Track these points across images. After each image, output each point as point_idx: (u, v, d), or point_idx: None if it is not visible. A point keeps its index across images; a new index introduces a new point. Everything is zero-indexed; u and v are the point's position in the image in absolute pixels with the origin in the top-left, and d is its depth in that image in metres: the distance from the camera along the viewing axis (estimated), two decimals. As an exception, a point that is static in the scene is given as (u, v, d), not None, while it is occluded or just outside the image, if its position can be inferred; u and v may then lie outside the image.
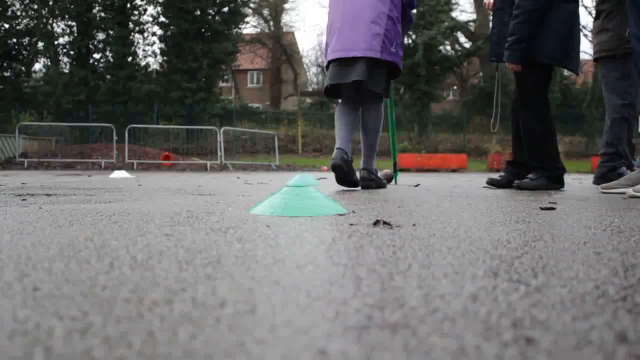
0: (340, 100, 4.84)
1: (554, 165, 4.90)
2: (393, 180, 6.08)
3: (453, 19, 31.69)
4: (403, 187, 5.35)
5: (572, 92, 34.46)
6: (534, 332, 0.68)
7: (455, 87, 44.04)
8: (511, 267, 1.12)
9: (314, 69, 55.37)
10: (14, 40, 29.37)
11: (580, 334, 0.67)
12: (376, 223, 1.87)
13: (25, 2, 29.91)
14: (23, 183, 5.66)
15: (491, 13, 5.20)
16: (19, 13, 29.98)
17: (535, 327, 0.70)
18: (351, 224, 1.88)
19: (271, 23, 46.92)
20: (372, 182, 4.88)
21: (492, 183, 5.39)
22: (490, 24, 5.32)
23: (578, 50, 4.87)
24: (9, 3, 29.49)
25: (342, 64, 4.58)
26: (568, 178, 6.63)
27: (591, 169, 20.66)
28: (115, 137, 20.12)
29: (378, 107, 4.92)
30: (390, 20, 4.53)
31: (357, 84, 4.66)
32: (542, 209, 2.68)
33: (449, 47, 33.54)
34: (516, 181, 5.04)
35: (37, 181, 6.31)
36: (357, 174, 4.76)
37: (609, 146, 5.69)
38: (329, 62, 4.69)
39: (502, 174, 5.48)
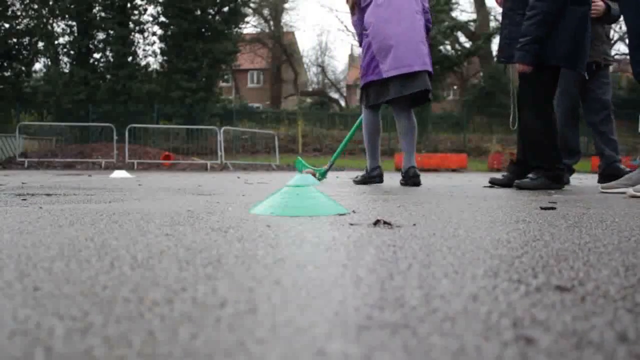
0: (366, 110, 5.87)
1: (554, 165, 4.89)
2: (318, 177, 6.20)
3: (453, 18, 31.65)
4: (404, 187, 5.35)
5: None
6: (534, 332, 0.68)
7: (455, 87, 44.02)
8: (511, 267, 1.12)
9: (314, 69, 55.41)
10: (14, 40, 29.37)
11: (580, 334, 0.67)
12: (376, 223, 1.87)
13: (25, 2, 29.90)
14: (23, 183, 5.66)
15: (499, 12, 5.20)
16: (19, 13, 29.97)
17: (535, 327, 0.70)
18: (351, 224, 1.88)
19: (271, 23, 46.94)
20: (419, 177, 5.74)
21: (494, 182, 5.38)
22: (492, 24, 5.32)
23: (588, 52, 4.88)
24: (9, 3, 29.48)
25: (403, 78, 5.45)
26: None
27: (591, 169, 20.65)
28: (115, 137, 20.12)
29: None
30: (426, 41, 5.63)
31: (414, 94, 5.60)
32: (542, 208, 2.68)
33: (449, 47, 33.51)
34: (516, 181, 5.03)
35: (37, 181, 6.31)
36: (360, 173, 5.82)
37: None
38: (387, 79, 5.49)
39: (505, 173, 5.47)
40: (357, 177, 6.10)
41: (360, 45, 5.69)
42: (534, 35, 4.72)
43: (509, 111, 5.38)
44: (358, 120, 6.05)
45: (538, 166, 4.90)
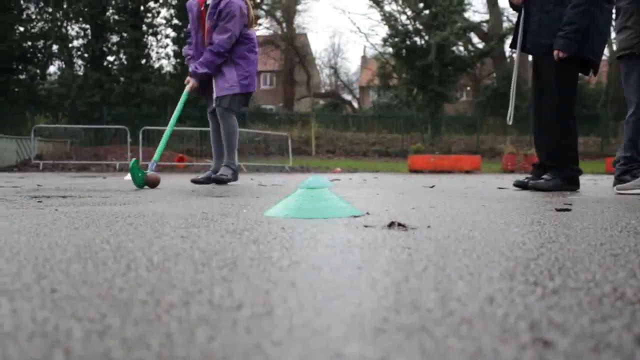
0: None
1: (570, 167, 4.86)
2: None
3: (466, 19, 31.54)
4: (418, 189, 5.34)
5: (586, 91, 34.26)
6: (551, 334, 0.68)
7: (468, 88, 43.87)
8: (527, 269, 1.12)
9: (326, 71, 55.40)
10: (29, 43, 29.55)
11: (598, 336, 0.67)
12: (391, 225, 1.87)
13: (40, 6, 30.08)
14: (38, 185, 5.69)
15: (512, 13, 5.09)
16: (34, 16, 30.16)
17: (552, 330, 0.69)
18: (366, 226, 1.88)
19: (284, 25, 46.93)
20: None
21: (519, 185, 5.28)
22: (505, 24, 5.21)
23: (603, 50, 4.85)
24: (24, 7, 29.69)
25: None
26: (583, 179, 6.58)
27: (606, 169, 20.52)
28: (129, 139, 20.20)
29: None
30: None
31: None
32: (557, 210, 2.66)
33: (462, 48, 33.38)
34: (531, 182, 4.99)
35: (53, 183, 6.34)
36: None
37: (625, 149, 5.59)
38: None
39: (529, 175, 5.37)
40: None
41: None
42: (579, 24, 4.64)
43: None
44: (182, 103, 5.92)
45: (553, 167, 4.86)
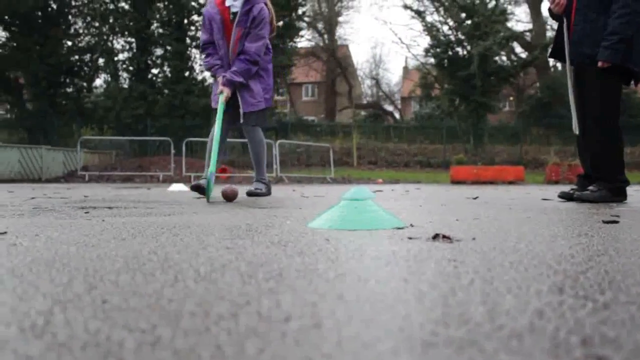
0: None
1: (616, 178, 4.77)
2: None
3: (509, 29, 31.30)
4: (461, 200, 5.29)
5: (633, 100, 33.65)
6: (604, 350, 0.66)
7: (511, 98, 43.45)
8: (576, 283, 1.10)
9: (368, 82, 55.42)
10: (76, 57, 30.24)
11: (653, 352, 0.66)
12: (435, 237, 1.86)
13: (87, 20, 30.76)
14: (85, 196, 5.80)
15: (553, 22, 4.97)
16: (81, 31, 30.88)
17: (605, 345, 0.68)
18: (410, 238, 1.88)
19: (325, 36, 47.13)
20: None
21: (564, 196, 5.20)
22: (549, 34, 5.14)
23: None
24: (72, 22, 30.38)
25: None
26: (630, 190, 6.46)
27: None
28: (172, 151, 20.47)
29: None
30: None
31: None
32: (604, 222, 2.62)
33: (504, 58, 33.14)
34: (577, 193, 4.91)
35: (99, 194, 6.45)
36: None
37: None
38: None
39: (574, 187, 5.30)
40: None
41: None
42: (624, 34, 4.58)
43: (567, 122, 5.20)
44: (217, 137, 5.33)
45: (599, 178, 4.78)
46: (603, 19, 4.69)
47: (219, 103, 5.34)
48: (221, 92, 5.35)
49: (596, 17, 4.70)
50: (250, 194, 5.65)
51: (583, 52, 4.77)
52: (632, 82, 4.93)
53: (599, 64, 4.65)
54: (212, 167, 5.15)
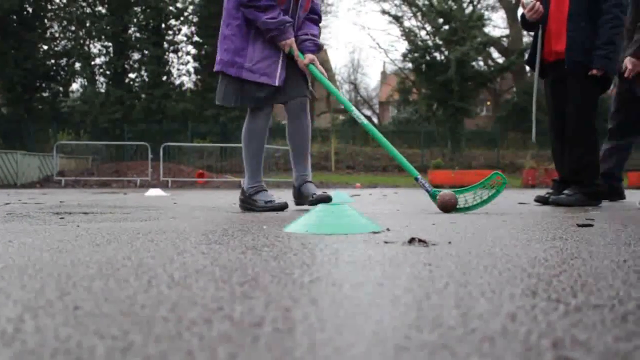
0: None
1: (592, 182, 4.82)
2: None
3: (486, 34, 31.48)
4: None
5: (608, 106, 33.98)
6: (575, 353, 0.67)
7: (488, 103, 43.71)
8: (549, 286, 1.11)
9: (346, 86, 55.45)
10: (53, 61, 29.96)
11: (622, 354, 0.66)
12: (411, 241, 1.86)
13: (63, 24, 30.50)
14: (61, 201, 5.74)
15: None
16: (57, 35, 30.60)
17: (576, 348, 0.69)
18: (386, 242, 1.88)
19: (304, 41, 47.11)
20: None
21: (540, 200, 5.25)
22: (525, 39, 5.19)
23: None
24: (48, 25, 30.12)
25: None
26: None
27: (627, 184, 20.31)
28: (150, 155, 20.34)
29: None
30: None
31: None
32: (579, 225, 2.64)
33: (482, 63, 33.33)
34: (552, 197, 4.96)
35: (74, 199, 6.40)
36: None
37: None
38: None
39: (550, 191, 5.34)
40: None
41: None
42: (618, 44, 4.76)
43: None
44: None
45: (575, 182, 4.83)
46: (591, 28, 4.78)
47: (319, 76, 4.13)
48: (312, 61, 4.08)
49: (585, 26, 4.78)
50: (318, 200, 3.91)
51: (575, 60, 4.83)
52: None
53: (594, 71, 4.73)
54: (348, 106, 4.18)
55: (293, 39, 3.99)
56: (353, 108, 4.21)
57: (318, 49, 4.17)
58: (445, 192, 3.83)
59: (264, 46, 3.97)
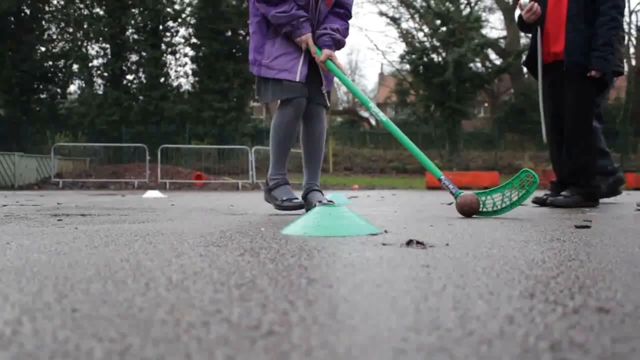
0: None
1: (589, 183, 4.83)
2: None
3: (483, 36, 31.51)
4: (436, 206, 5.32)
5: (605, 107, 34.03)
6: (572, 354, 0.67)
7: (486, 104, 43.76)
8: (547, 288, 1.11)
9: (344, 88, 55.42)
10: (50, 63, 29.93)
11: (620, 356, 0.66)
12: (409, 243, 1.86)
13: (61, 26, 30.48)
14: (58, 203, 5.74)
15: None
16: (55, 37, 30.57)
17: (574, 350, 0.69)
18: (384, 244, 1.88)
19: (301, 42, 47.13)
20: None
21: (537, 202, 5.26)
22: (523, 41, 5.18)
23: None
24: (45, 27, 30.09)
25: None
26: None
27: (626, 185, 20.31)
28: (148, 157, 20.32)
29: None
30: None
31: None
32: (576, 227, 2.64)
33: (479, 64, 33.34)
34: (550, 198, 4.96)
35: (72, 201, 6.39)
36: None
37: None
38: None
39: (548, 192, 5.35)
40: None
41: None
42: (615, 45, 4.80)
43: (541, 128, 5.27)
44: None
45: (573, 184, 4.84)
46: (589, 29, 4.79)
47: (335, 70, 3.86)
48: (329, 57, 3.81)
49: (584, 28, 4.80)
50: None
51: (574, 61, 4.84)
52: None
53: (592, 72, 4.74)
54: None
55: (309, 34, 3.76)
56: (372, 105, 4.01)
57: (337, 44, 3.87)
58: (466, 194, 3.49)
59: (284, 42, 3.80)
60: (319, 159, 4.12)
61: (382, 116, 3.95)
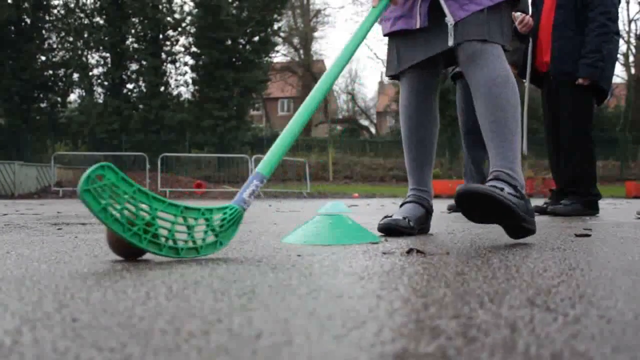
0: None
1: (588, 191, 4.83)
2: None
3: (483, 44, 31.60)
4: (436, 214, 5.31)
5: (604, 115, 34.08)
6: (574, 364, 0.67)
7: (486, 113, 43.77)
8: (548, 297, 1.11)
9: (343, 96, 55.54)
10: (50, 72, 29.99)
11: (621, 366, 0.66)
12: (409, 251, 1.86)
13: (61, 35, 30.57)
14: (58, 212, 5.74)
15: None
16: (55, 46, 30.65)
17: (575, 359, 0.68)
18: (384, 253, 1.88)
19: (301, 51, 47.25)
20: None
21: (538, 210, 5.25)
22: (525, 47, 5.14)
23: None
24: (45, 36, 30.17)
25: None
26: (602, 203, 6.53)
27: (625, 194, 20.32)
28: (147, 166, 20.35)
29: None
30: None
31: None
32: (577, 235, 2.64)
33: (479, 73, 33.38)
34: (550, 207, 4.97)
35: (72, 210, 6.39)
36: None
37: None
38: None
39: (548, 200, 5.35)
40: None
41: None
42: (605, 53, 4.72)
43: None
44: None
45: (573, 192, 4.84)
46: (579, 37, 4.79)
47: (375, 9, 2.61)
48: None
49: (573, 35, 4.80)
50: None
51: (562, 70, 4.85)
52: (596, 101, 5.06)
53: (580, 80, 4.74)
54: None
55: None
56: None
57: None
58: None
59: None
60: (504, 127, 2.50)
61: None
